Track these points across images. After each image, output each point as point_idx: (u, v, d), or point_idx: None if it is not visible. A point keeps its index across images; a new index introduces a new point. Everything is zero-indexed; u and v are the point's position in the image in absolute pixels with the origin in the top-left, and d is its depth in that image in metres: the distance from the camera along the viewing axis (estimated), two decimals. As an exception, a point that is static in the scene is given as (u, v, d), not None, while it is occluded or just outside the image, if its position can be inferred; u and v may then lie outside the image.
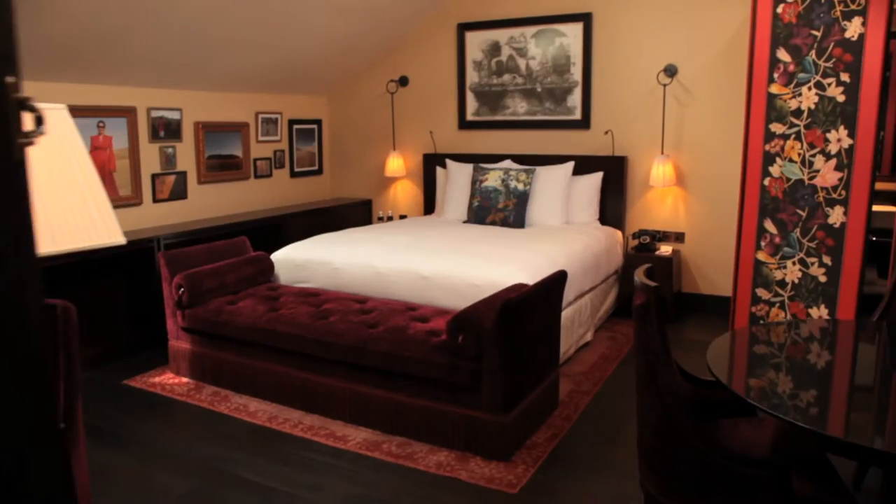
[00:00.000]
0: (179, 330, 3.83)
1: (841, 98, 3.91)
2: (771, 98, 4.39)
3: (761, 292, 4.29)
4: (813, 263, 4.07)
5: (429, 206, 5.92)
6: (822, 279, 4.06)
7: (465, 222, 5.17)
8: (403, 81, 5.96)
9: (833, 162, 3.96)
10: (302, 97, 6.11)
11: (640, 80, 5.02)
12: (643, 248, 4.93)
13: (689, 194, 4.99)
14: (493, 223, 5.02)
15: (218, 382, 3.71)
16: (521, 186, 4.99)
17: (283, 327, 3.37)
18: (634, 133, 5.10)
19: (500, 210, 5.00)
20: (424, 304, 3.60)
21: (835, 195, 3.98)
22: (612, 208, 5.18)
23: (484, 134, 5.70)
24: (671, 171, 4.88)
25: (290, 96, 5.96)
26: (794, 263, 4.17)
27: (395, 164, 5.97)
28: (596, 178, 5.11)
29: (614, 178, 5.13)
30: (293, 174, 6.08)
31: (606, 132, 5.16)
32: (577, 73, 5.24)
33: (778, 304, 4.27)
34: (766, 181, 4.43)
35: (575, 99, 5.29)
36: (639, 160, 5.12)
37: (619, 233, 5.07)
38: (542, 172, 5.08)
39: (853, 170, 3.90)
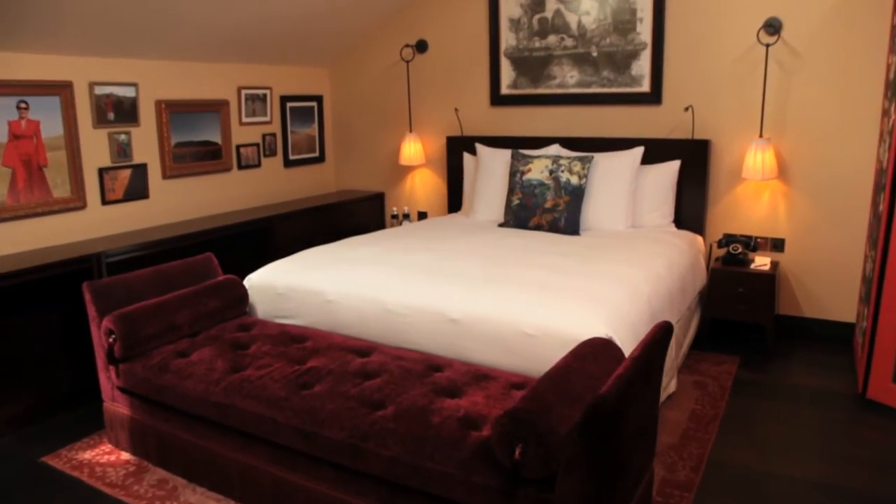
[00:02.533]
0: (115, 390, 2.78)
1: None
2: (889, 69, 3.27)
3: (862, 288, 3.25)
4: (869, 256, 3.00)
5: (454, 201, 4.80)
6: (869, 275, 3.00)
7: (501, 225, 4.05)
8: (421, 47, 4.81)
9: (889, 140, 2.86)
10: (297, 68, 4.99)
11: (731, 39, 3.82)
12: (732, 259, 3.78)
13: (792, 189, 3.82)
14: (538, 228, 3.89)
15: (166, 464, 2.66)
16: (574, 179, 3.85)
17: (246, 403, 2.30)
18: (721, 110, 3.92)
19: (547, 210, 3.87)
20: (453, 358, 2.51)
21: (884, 180, 2.87)
22: (689, 207, 4.02)
23: (523, 111, 4.54)
24: (772, 159, 3.70)
25: (281, 67, 4.84)
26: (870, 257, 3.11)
27: (413, 149, 4.85)
28: (671, 169, 3.95)
29: (694, 167, 3.97)
30: (287, 163, 4.99)
31: (687, 108, 3.98)
32: (644, 31, 4.06)
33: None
34: (875, 166, 3.33)
35: (642, 66, 4.11)
36: (726, 145, 3.94)
37: (699, 239, 3.92)
38: (602, 161, 3.93)
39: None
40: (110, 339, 2.66)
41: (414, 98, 4.91)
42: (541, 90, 4.46)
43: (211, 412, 2.40)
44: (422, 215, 5.09)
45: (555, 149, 4.20)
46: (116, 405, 2.80)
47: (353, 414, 2.09)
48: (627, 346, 2.30)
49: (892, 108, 3.06)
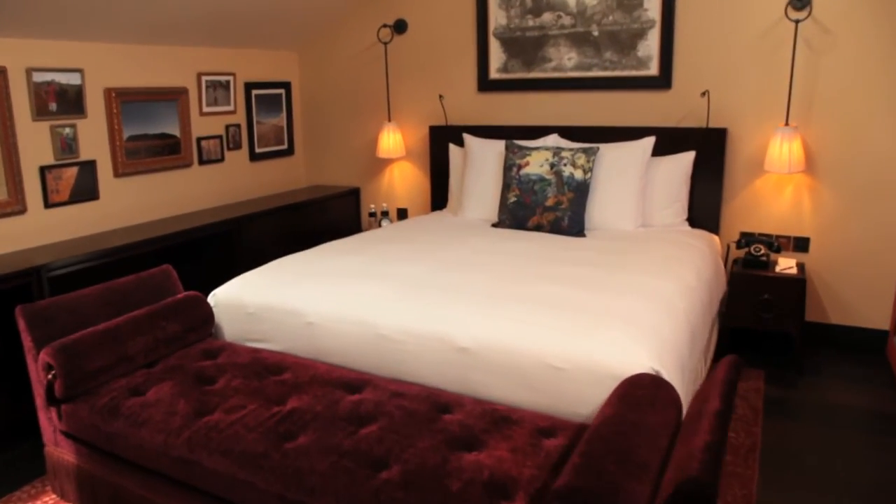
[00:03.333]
0: (57, 433, 2.32)
1: None
2: None
3: None
4: None
5: (439, 198, 4.38)
6: None
7: (495, 225, 3.66)
8: (400, 27, 4.36)
9: None
10: (263, 52, 4.50)
11: (752, 14, 3.47)
12: (754, 262, 3.45)
13: (818, 183, 3.49)
14: (538, 228, 3.50)
15: (119, 524, 2.22)
16: (578, 174, 3.46)
17: (214, 460, 1.87)
18: (739, 95, 3.57)
19: (548, 209, 3.48)
20: (463, 394, 2.11)
21: None
22: (702, 203, 3.67)
23: (515, 98, 4.14)
24: (800, 149, 3.37)
25: (246, 51, 4.35)
26: None
27: (392, 140, 4.41)
28: (684, 161, 3.59)
29: (708, 159, 3.62)
30: (254, 157, 4.51)
31: (703, 93, 3.62)
32: (652, 7, 3.68)
33: None
34: None
35: (650, 46, 3.73)
36: (744, 134, 3.60)
37: (716, 239, 3.58)
38: (608, 153, 3.56)
39: None
40: (49, 376, 2.20)
41: (393, 84, 4.46)
42: (535, 74, 4.05)
43: (172, 469, 1.96)
44: (402, 213, 4.67)
45: (553, 139, 3.81)
46: (60, 451, 2.34)
47: (349, 478, 1.68)
48: (675, 381, 1.93)
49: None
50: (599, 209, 3.52)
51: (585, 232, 3.45)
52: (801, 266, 3.45)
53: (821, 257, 3.54)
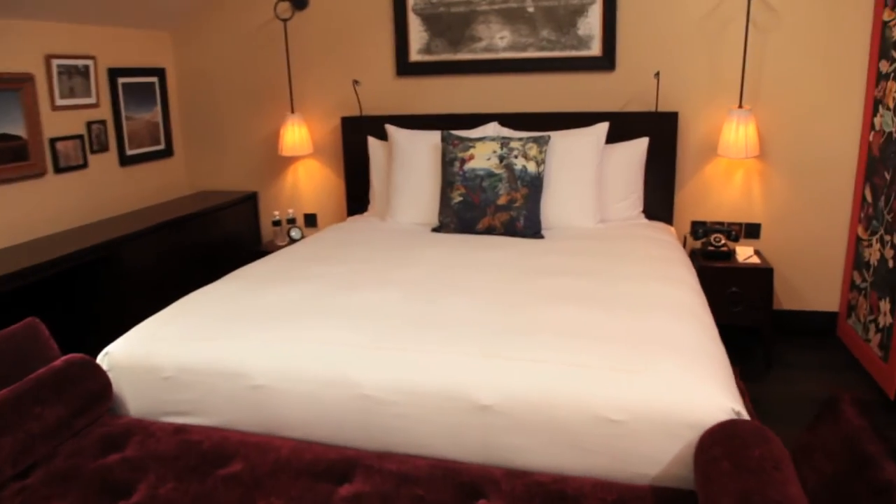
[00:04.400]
0: None
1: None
2: (884, 27, 2.93)
3: (856, 276, 3.20)
4: (888, 242, 2.84)
5: (356, 200, 3.79)
6: (890, 264, 2.79)
7: (436, 230, 3.17)
8: (300, 2, 3.71)
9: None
10: (129, 31, 3.66)
11: (697, -10, 3.22)
12: (715, 253, 3.23)
13: (768, 167, 3.33)
14: (489, 231, 3.06)
15: None
16: (531, 167, 3.05)
17: None
18: (687, 76, 3.32)
19: (501, 208, 3.04)
20: (488, 464, 1.62)
21: None
22: (654, 193, 3.40)
23: (441, 83, 3.65)
24: (754, 133, 3.17)
25: (108, 29, 3.50)
26: (877, 241, 2.96)
27: (297, 135, 3.76)
28: (639, 148, 3.29)
29: (660, 146, 3.35)
30: (125, 160, 3.66)
31: (656, 75, 3.32)
32: (593, -19, 3.34)
33: (864, 293, 3.08)
34: (871, 136, 3.00)
35: (591, 24, 3.38)
36: (695, 118, 3.36)
37: (673, 230, 3.33)
38: (560, 142, 3.17)
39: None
40: None
41: (296, 69, 3.80)
42: (463, 56, 3.59)
43: None
44: (310, 219, 4.03)
45: (493, 128, 3.37)
46: None
47: None
48: (724, 414, 1.55)
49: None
50: (554, 205, 3.13)
51: (542, 232, 3.05)
52: (758, 253, 3.28)
53: (772, 243, 3.40)
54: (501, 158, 3.07)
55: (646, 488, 1.51)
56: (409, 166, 3.36)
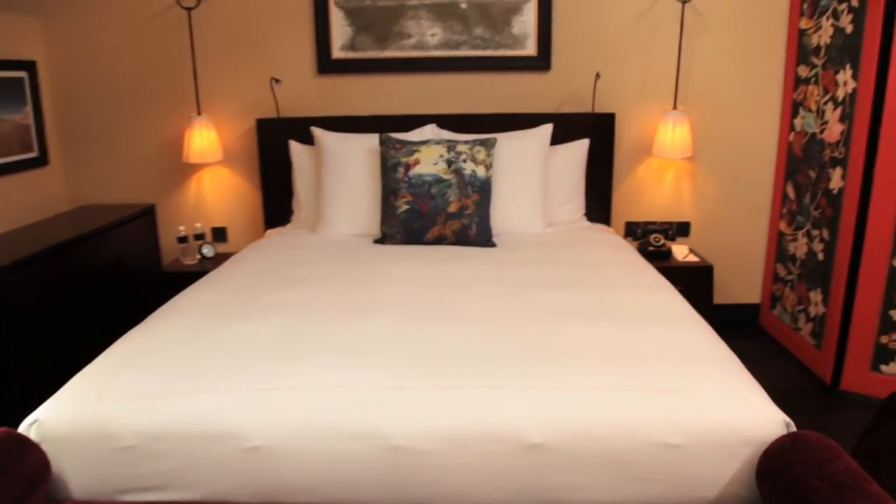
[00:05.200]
0: None
1: (849, 28, 2.81)
2: (801, 35, 3.13)
3: (780, 268, 3.37)
4: (816, 237, 3.05)
5: (276, 211, 3.44)
6: (820, 257, 3.02)
7: (379, 241, 2.93)
8: (203, -10, 3.30)
9: (839, 111, 2.89)
10: (-12, 16, 3.06)
11: (628, -8, 3.24)
12: (656, 253, 3.27)
13: (697, 167, 3.43)
14: (439, 241, 2.88)
15: None
16: (481, 171, 2.90)
17: None
18: (621, 77, 3.33)
19: (452, 216, 2.86)
20: (537, 506, 1.45)
21: (836, 153, 2.89)
22: (592, 195, 3.38)
23: (369, 82, 3.40)
24: (688, 134, 3.24)
25: (-39, 12, 2.89)
26: (803, 235, 3.15)
27: (205, 139, 3.34)
28: (580, 150, 3.25)
29: (599, 147, 3.33)
30: (-7, 171, 3.06)
31: (597, 76, 3.29)
32: (527, -21, 3.25)
33: (790, 284, 3.26)
34: (791, 137, 3.18)
35: (525, 22, 3.29)
36: (629, 119, 3.38)
37: (613, 232, 3.32)
38: (505, 144, 3.05)
39: (854, 120, 2.73)
40: None
41: (202, 65, 3.38)
42: (391, 53, 3.36)
43: None
44: (219, 233, 3.61)
45: (431, 130, 3.19)
46: None
47: None
48: (778, 427, 1.49)
49: (849, 76, 2.76)
50: (501, 211, 3.01)
51: (493, 240, 2.91)
52: (692, 251, 3.37)
53: (701, 240, 3.51)
54: (449, 163, 2.89)
55: (713, 515, 1.41)
56: (343, 173, 3.09)
